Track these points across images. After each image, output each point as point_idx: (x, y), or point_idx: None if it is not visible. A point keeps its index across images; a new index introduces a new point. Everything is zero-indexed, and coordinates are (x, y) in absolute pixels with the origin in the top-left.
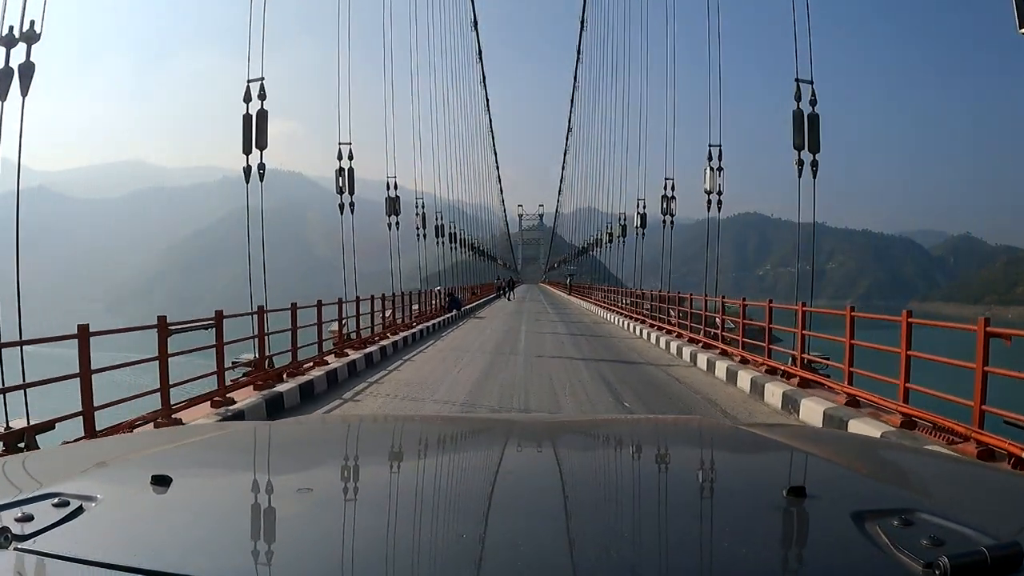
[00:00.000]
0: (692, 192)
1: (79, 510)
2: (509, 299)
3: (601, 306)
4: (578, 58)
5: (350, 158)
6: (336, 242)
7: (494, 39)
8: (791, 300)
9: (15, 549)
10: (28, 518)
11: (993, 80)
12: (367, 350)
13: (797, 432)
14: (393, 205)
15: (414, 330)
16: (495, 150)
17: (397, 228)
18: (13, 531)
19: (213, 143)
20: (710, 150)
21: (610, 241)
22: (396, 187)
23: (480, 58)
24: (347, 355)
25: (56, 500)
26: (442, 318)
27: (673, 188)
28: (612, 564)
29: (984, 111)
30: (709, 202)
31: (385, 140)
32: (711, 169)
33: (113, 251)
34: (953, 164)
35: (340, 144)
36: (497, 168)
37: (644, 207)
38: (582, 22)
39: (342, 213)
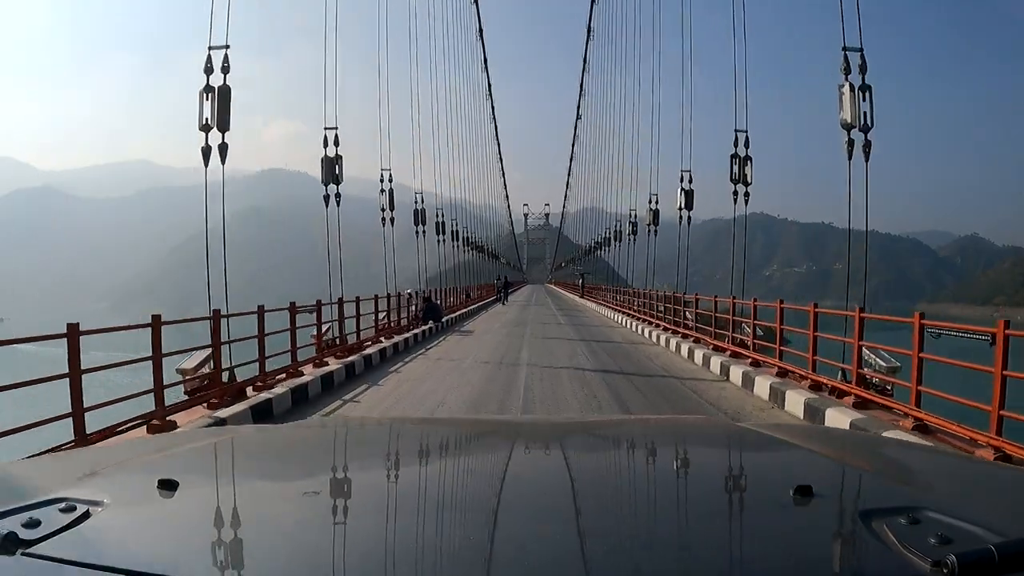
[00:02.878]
0: (699, 191)
1: (85, 515)
2: (504, 303)
3: (624, 312)
4: (588, 35)
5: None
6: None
7: (496, 34)
8: (796, 301)
9: (22, 554)
10: (35, 523)
11: (999, 78)
12: (220, 412)
13: (804, 431)
14: (333, 168)
15: (349, 360)
16: (498, 140)
17: (338, 202)
18: (20, 536)
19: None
20: (845, 53)
21: (633, 232)
22: (338, 142)
23: (481, 37)
24: (211, 410)
25: (63, 505)
26: (409, 335)
27: (747, 143)
28: (621, 564)
29: (990, 109)
30: (851, 151)
31: (323, 83)
32: (855, 91)
33: (118, 250)
34: (959, 164)
35: (210, 48)
36: (500, 161)
37: (691, 181)
38: None
39: (217, 163)
